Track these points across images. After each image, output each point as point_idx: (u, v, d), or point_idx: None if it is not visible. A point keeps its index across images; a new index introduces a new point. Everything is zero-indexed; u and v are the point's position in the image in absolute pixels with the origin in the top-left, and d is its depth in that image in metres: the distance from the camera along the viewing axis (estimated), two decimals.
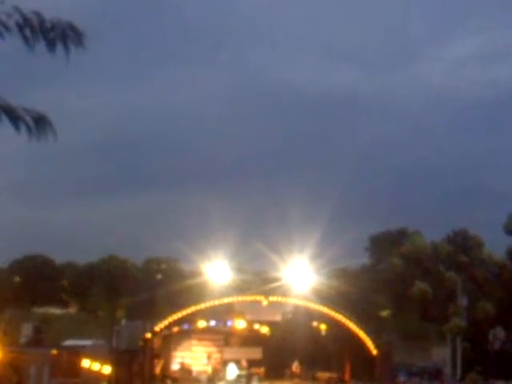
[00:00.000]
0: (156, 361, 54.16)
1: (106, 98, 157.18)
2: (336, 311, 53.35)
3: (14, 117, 5.73)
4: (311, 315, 54.28)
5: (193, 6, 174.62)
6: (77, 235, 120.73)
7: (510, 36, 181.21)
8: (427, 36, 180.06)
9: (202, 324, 53.87)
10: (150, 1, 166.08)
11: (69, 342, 60.29)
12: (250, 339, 58.15)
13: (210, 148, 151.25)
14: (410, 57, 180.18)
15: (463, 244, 58.67)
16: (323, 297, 54.47)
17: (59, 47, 5.92)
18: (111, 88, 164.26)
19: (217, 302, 52.74)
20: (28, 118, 5.78)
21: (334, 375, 56.20)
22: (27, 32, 5.84)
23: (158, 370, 54.41)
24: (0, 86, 5.79)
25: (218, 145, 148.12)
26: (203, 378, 55.78)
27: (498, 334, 57.41)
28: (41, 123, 5.82)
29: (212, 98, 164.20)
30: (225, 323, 54.54)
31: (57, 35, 5.89)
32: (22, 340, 63.38)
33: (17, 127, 5.75)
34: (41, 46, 5.90)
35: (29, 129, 5.79)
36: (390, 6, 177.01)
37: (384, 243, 70.65)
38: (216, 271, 55.21)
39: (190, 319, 53.29)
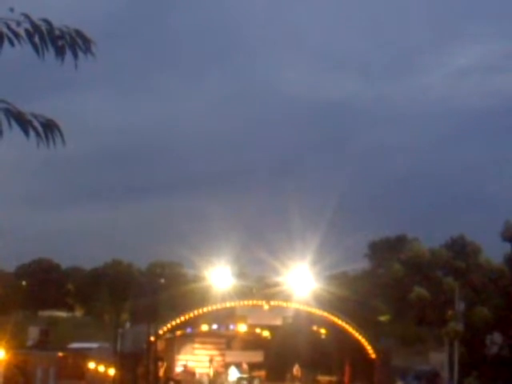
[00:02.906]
0: (160, 363, 54.85)
1: (110, 106, 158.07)
2: (336, 316, 54.07)
3: (23, 122, 5.75)
4: (311, 319, 54.95)
5: (196, 17, 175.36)
6: (82, 241, 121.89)
7: (511, 46, 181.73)
8: (428, 45, 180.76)
9: (204, 328, 54.64)
10: (154, 10, 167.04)
11: (74, 345, 61.05)
12: (252, 343, 58.87)
13: (213, 155, 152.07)
14: (411, 66, 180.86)
15: (461, 250, 59.20)
16: (323, 301, 55.12)
17: (68, 54, 6.03)
18: (114, 95, 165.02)
19: (219, 307, 53.50)
20: (37, 123, 5.81)
21: (333, 378, 56.94)
22: (36, 39, 5.93)
23: (161, 372, 55.08)
24: (9, 92, 5.87)
25: (220, 151, 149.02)
26: (205, 380, 56.57)
27: (495, 339, 58.04)
28: (49, 128, 5.87)
29: (215, 105, 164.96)
30: (227, 327, 55.28)
31: (66, 42, 6.01)
32: (29, 343, 64.20)
33: (26, 132, 5.77)
34: (49, 54, 5.99)
35: (38, 134, 5.81)
36: (391, 15, 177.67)
37: (383, 249, 71.40)
38: (218, 276, 55.88)
39: (193, 323, 54.06)
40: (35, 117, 5.85)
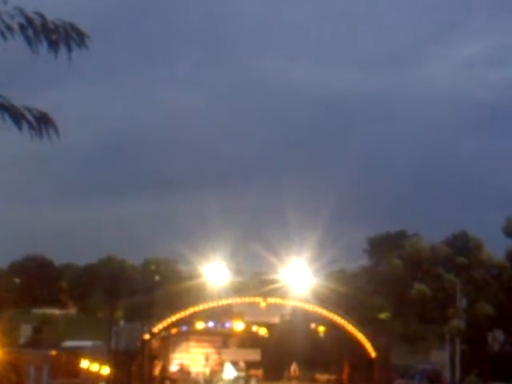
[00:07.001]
0: (156, 362, 54.22)
1: (107, 101, 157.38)
2: (334, 313, 53.30)
3: (16, 115, 5.72)
4: (309, 317, 54.21)
5: (195, 8, 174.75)
6: (76, 237, 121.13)
7: None
8: (431, 37, 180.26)
9: (200, 325, 53.83)
10: (152, 3, 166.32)
11: (68, 343, 60.51)
12: (249, 341, 58.09)
13: (209, 150, 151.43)
14: (413, 58, 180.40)
15: (462, 246, 58.60)
16: (322, 299, 54.44)
17: (62, 48, 5.96)
18: (112, 91, 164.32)
19: (215, 304, 52.71)
20: (30, 117, 5.77)
21: (332, 377, 56.25)
22: (30, 33, 5.86)
23: (156, 371, 54.42)
24: (3, 86, 5.80)
25: (216, 147, 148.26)
26: (201, 379, 55.78)
27: (497, 336, 57.47)
28: (43, 122, 5.81)
29: (212, 101, 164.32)
30: (223, 325, 54.50)
31: (59, 36, 5.91)
32: (22, 340, 63.60)
33: (19, 126, 5.74)
34: (43, 47, 5.94)
35: (31, 127, 5.77)
36: (393, 7, 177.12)
37: (383, 245, 70.74)
38: (214, 273, 55.26)
39: (189, 320, 53.26)
40: (29, 110, 5.77)
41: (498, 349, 57.26)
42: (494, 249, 59.45)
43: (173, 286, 63.87)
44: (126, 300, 76.86)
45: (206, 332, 55.99)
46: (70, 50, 5.94)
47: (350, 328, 53.03)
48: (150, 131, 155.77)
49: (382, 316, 65.57)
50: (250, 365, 57.04)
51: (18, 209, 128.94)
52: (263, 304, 53.08)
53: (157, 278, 61.81)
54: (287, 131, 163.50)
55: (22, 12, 5.82)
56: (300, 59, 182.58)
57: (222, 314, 53.70)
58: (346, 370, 55.30)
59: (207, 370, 56.75)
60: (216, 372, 56.67)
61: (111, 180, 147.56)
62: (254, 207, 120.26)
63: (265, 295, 53.77)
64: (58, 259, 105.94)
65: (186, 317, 52.55)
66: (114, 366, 50.36)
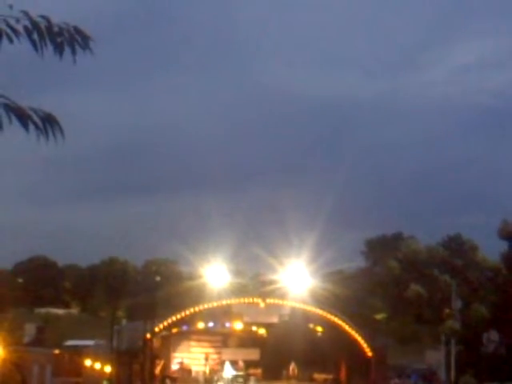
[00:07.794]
0: (157, 361, 54.79)
1: (109, 104, 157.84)
2: (332, 314, 53.98)
3: (22, 116, 5.75)
4: (307, 317, 54.85)
5: (194, 14, 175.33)
6: (79, 238, 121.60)
7: (510, 43, 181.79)
8: (430, 42, 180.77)
9: (200, 325, 54.55)
10: (151, 9, 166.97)
11: (71, 342, 61.13)
12: (248, 341, 58.77)
13: (209, 152, 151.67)
14: (411, 63, 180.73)
15: (458, 248, 59.23)
16: (319, 299, 55.07)
17: (66, 51, 6.06)
18: (112, 94, 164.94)
19: (215, 304, 53.42)
20: (36, 118, 5.80)
21: (330, 376, 56.86)
22: (35, 36, 5.96)
23: (157, 370, 55.00)
24: (9, 88, 5.86)
25: (216, 149, 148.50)
26: (201, 378, 56.50)
27: (491, 337, 57.99)
28: (49, 123, 5.86)
29: (211, 103, 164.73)
30: (223, 325, 55.14)
31: (64, 39, 6.04)
32: (26, 339, 64.20)
33: (26, 127, 5.76)
34: (48, 50, 6.01)
35: (37, 128, 5.79)
36: (391, 13, 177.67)
37: (379, 247, 71.41)
38: (214, 273, 55.80)
39: (189, 320, 53.97)
40: (35, 111, 5.82)
41: (493, 349, 57.77)
42: (489, 252, 60.09)
43: (173, 287, 64.54)
44: (127, 300, 77.59)
45: (206, 332, 56.67)
46: (74, 52, 6.07)
47: (348, 328, 53.73)
48: (151, 135, 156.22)
49: (379, 317, 66.14)
50: (249, 364, 57.71)
51: (22, 210, 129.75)
52: (262, 304, 53.77)
53: (157, 278, 62.41)
54: (286, 134, 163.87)
55: (27, 15, 5.94)
56: (298, 64, 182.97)
57: (221, 315, 54.35)
58: (344, 370, 55.92)
59: (207, 369, 57.41)
60: (216, 371, 57.34)
61: (113, 182, 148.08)
62: (254, 209, 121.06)
63: (264, 296, 54.47)
64: (62, 260, 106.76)
65: (186, 317, 53.26)
66: (116, 364, 51.11)
